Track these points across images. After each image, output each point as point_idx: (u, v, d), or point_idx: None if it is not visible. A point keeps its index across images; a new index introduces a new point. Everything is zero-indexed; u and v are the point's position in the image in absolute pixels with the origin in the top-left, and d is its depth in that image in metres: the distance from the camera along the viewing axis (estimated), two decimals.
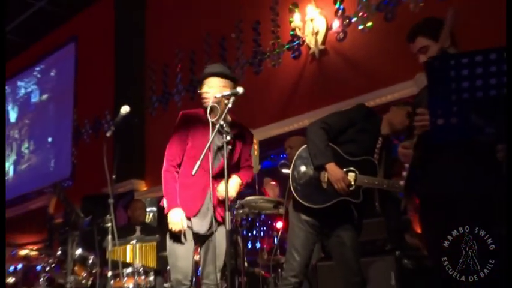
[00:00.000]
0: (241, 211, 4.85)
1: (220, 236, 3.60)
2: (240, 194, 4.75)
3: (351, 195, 3.46)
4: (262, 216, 5.90)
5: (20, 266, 8.73)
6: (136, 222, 6.22)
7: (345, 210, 3.57)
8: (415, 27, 3.10)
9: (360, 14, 6.19)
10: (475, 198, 2.71)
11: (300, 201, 3.53)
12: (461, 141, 2.70)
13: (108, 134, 4.05)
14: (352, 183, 3.48)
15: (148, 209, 8.10)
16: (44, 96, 11.21)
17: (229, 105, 3.47)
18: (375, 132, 3.64)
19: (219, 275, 3.62)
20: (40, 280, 5.46)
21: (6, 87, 12.24)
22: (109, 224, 4.54)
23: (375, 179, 3.49)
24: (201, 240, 3.75)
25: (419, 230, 4.58)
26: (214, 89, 3.72)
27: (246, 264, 5.04)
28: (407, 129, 3.42)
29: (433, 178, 2.90)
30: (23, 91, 11.86)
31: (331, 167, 3.45)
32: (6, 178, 11.78)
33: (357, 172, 3.50)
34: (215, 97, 3.57)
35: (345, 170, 3.49)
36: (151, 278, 5.37)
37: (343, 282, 3.60)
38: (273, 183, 5.68)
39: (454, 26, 2.83)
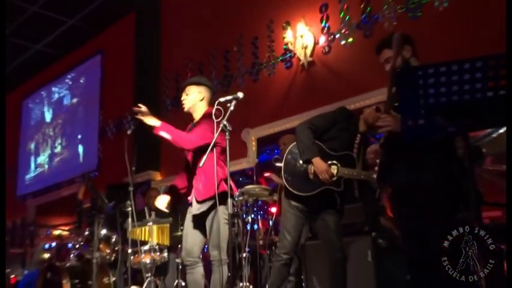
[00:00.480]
0: (241, 198, 4.84)
1: (212, 218, 3.57)
2: (240, 184, 4.77)
3: (333, 184, 3.48)
4: (259, 202, 5.90)
5: (53, 243, 8.71)
6: (152, 207, 6.20)
7: (329, 197, 3.57)
8: (381, 41, 3.14)
9: (343, 31, 6.19)
10: (434, 186, 2.75)
11: (291, 189, 3.54)
12: (421, 139, 2.74)
13: (128, 132, 4.03)
14: (335, 174, 3.48)
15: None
16: (75, 100, 11.19)
17: (231, 108, 3.47)
18: (353, 130, 3.66)
19: (216, 251, 3.53)
20: (71, 256, 5.46)
21: (43, 92, 12.25)
22: (129, 209, 4.54)
23: (354, 171, 3.50)
24: (202, 221, 3.68)
25: (391, 214, 4.59)
26: (191, 95, 3.81)
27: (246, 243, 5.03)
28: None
29: (398, 170, 2.92)
30: (56, 95, 11.83)
31: (317, 160, 3.47)
32: (42, 170, 11.78)
33: (338, 165, 3.52)
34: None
35: (329, 163, 3.50)
36: (165, 254, 5.37)
37: (327, 258, 3.61)
38: (267, 174, 5.67)
39: (400, 47, 2.85)
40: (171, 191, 4.01)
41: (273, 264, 3.58)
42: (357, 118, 3.71)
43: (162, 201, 3.94)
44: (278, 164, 4.36)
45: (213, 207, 3.56)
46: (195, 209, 3.67)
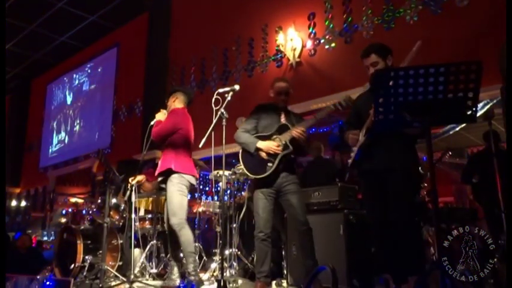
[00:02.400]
0: (233, 176, 4.85)
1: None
2: (233, 164, 4.77)
3: (284, 150, 3.47)
4: (249, 181, 5.91)
5: (70, 209, 8.70)
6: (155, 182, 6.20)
7: (287, 166, 3.53)
8: (370, 47, 3.13)
9: (327, 37, 6.18)
10: (398, 171, 2.85)
11: (255, 177, 3.54)
12: (392, 132, 2.80)
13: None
14: (280, 142, 3.48)
15: None
16: (93, 86, 11.10)
17: (228, 98, 3.50)
18: (274, 112, 3.65)
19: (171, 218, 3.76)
20: (85, 220, 5.45)
21: (65, 78, 12.15)
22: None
23: (290, 130, 3.48)
24: None
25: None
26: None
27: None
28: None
29: (372, 157, 2.98)
30: (76, 82, 11.73)
31: (261, 144, 3.49)
32: (62, 145, 11.71)
33: (277, 135, 3.51)
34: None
35: (271, 139, 3.52)
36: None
37: (296, 232, 3.63)
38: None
39: (417, 54, 2.83)
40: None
41: (255, 244, 3.58)
42: (271, 104, 3.72)
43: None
44: (239, 167, 4.43)
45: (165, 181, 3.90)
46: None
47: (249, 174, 3.59)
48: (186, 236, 3.71)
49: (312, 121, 3.50)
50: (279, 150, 3.46)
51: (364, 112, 3.02)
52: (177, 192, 3.78)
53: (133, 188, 4.57)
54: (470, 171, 5.50)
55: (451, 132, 7.99)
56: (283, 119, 3.58)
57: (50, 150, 12.18)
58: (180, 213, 3.75)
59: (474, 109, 2.13)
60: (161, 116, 4.05)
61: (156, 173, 3.95)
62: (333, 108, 3.37)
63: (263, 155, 3.48)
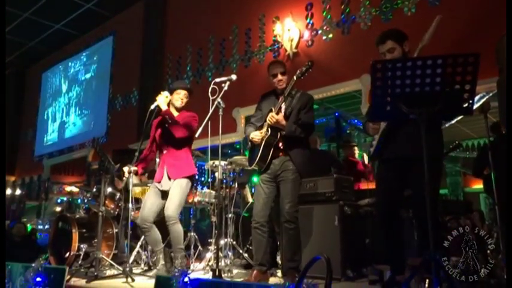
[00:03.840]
0: (229, 167, 4.84)
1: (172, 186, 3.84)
2: (229, 155, 4.77)
3: (268, 136, 3.43)
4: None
5: (65, 198, 8.69)
6: (145, 173, 6.19)
7: (282, 158, 3.48)
8: (386, 32, 3.01)
9: (324, 28, 6.15)
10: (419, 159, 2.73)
11: (253, 167, 3.56)
12: (412, 121, 2.71)
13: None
14: (265, 128, 3.45)
15: None
16: (88, 75, 11.03)
17: (225, 88, 3.49)
18: (272, 98, 3.65)
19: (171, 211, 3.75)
20: (80, 209, 5.44)
21: (60, 66, 12.06)
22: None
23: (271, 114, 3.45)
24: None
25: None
26: (185, 99, 4.04)
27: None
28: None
29: (392, 144, 2.89)
30: (72, 70, 11.65)
31: (251, 134, 3.53)
32: (57, 134, 11.66)
33: (264, 124, 3.50)
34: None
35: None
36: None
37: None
38: None
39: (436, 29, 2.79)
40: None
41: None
42: (268, 94, 3.73)
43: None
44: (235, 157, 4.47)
45: None
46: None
47: (250, 166, 3.61)
48: (179, 232, 3.73)
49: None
50: (258, 139, 3.46)
51: None
52: (185, 193, 3.83)
53: (130, 177, 4.56)
54: (481, 165, 5.48)
55: (446, 125, 8.02)
56: (279, 104, 3.47)
57: (45, 139, 12.13)
58: (178, 211, 3.79)
59: (471, 102, 2.14)
60: (163, 100, 3.87)
61: (180, 176, 3.84)
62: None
63: (259, 147, 3.49)
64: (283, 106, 3.49)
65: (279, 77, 3.56)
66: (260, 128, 3.55)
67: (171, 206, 3.73)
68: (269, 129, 3.43)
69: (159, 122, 4.04)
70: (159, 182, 3.90)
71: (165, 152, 3.95)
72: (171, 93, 3.99)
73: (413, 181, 2.81)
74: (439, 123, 2.87)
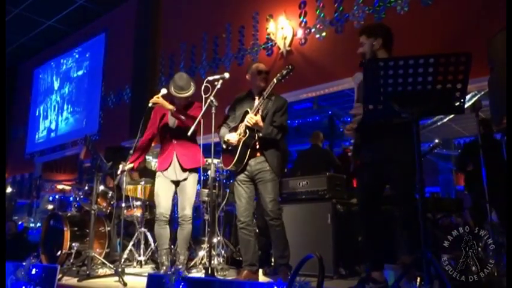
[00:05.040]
0: (221, 165, 4.82)
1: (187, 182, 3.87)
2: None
3: (244, 137, 3.43)
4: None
5: (57, 196, 8.63)
6: (138, 169, 6.17)
7: (258, 158, 3.48)
8: (362, 26, 3.07)
9: (318, 26, 6.16)
10: (396, 162, 2.80)
11: (230, 169, 3.57)
12: (386, 124, 2.77)
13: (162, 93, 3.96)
14: (242, 129, 3.44)
15: (154, 160, 8.08)
16: (80, 72, 10.97)
17: (218, 86, 3.49)
18: (247, 99, 3.64)
19: (187, 210, 3.82)
20: (72, 207, 5.41)
21: (52, 63, 11.98)
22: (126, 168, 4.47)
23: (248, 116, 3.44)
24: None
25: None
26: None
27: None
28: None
29: (367, 148, 2.96)
30: (64, 67, 11.58)
31: (227, 135, 3.52)
32: (49, 131, 11.59)
33: (241, 123, 3.49)
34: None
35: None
36: (154, 209, 5.37)
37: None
38: None
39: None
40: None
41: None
42: (241, 96, 3.74)
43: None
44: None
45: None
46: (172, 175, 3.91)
47: (224, 166, 3.62)
48: (190, 230, 3.82)
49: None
50: (234, 141, 3.45)
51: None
52: (195, 188, 3.90)
53: (123, 174, 4.54)
54: (465, 160, 5.56)
55: (438, 123, 8.08)
56: (258, 105, 3.46)
57: (37, 137, 12.05)
58: (192, 207, 3.87)
59: (462, 100, 2.15)
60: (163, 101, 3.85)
61: (194, 166, 3.89)
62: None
63: (236, 147, 3.47)
64: (261, 108, 3.50)
65: (256, 80, 3.60)
66: (234, 129, 3.54)
67: (188, 205, 3.83)
68: (247, 131, 3.44)
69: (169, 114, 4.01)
70: (166, 170, 3.90)
71: (175, 141, 3.94)
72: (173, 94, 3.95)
73: (390, 183, 2.91)
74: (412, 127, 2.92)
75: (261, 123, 3.39)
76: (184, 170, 3.87)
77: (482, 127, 5.28)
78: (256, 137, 3.43)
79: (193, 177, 3.89)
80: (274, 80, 3.44)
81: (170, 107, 3.83)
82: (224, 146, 3.60)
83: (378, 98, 2.18)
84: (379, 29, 3.03)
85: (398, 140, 2.78)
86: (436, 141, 5.71)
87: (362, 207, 3.07)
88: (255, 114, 3.40)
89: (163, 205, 3.87)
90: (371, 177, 2.96)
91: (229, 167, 3.53)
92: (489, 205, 3.54)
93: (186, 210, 3.81)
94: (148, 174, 5.54)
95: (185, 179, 3.88)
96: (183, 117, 3.79)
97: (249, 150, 3.44)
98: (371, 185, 2.98)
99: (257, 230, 4.01)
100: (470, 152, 5.59)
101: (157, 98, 3.81)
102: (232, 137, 3.48)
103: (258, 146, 3.47)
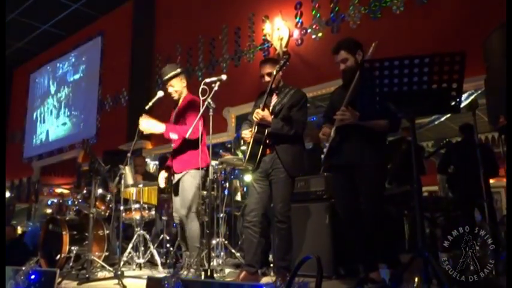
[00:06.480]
0: (220, 166, 4.84)
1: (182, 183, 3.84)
2: (220, 154, 4.78)
3: (259, 132, 3.41)
4: (236, 171, 5.92)
5: (55, 200, 8.61)
6: (138, 172, 6.18)
7: (271, 156, 3.44)
8: (339, 43, 3.17)
9: (314, 26, 6.18)
10: (366, 166, 2.94)
11: (245, 167, 3.59)
12: (360, 129, 2.92)
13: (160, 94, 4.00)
14: (253, 127, 3.45)
15: (152, 162, 8.09)
16: (77, 76, 10.95)
17: (215, 88, 3.49)
18: (263, 96, 3.54)
19: (184, 210, 3.78)
20: (70, 211, 5.41)
21: (48, 67, 11.95)
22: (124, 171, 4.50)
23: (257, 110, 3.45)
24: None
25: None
26: (176, 87, 4.05)
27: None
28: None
29: (341, 152, 3.06)
30: (60, 71, 11.55)
31: (243, 133, 3.54)
32: (47, 135, 11.58)
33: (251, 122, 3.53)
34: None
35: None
36: (153, 212, 5.38)
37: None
38: None
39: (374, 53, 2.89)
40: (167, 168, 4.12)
41: None
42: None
43: (161, 178, 4.10)
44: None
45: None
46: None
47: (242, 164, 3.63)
48: (194, 229, 3.77)
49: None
50: (247, 137, 3.47)
51: (338, 108, 3.01)
52: (196, 186, 3.78)
53: (122, 177, 4.56)
54: (447, 162, 5.65)
55: (436, 123, 8.09)
56: (264, 100, 3.44)
57: (34, 141, 12.02)
58: (194, 207, 3.78)
59: (458, 100, 2.16)
60: (148, 125, 3.81)
61: (179, 171, 3.88)
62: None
63: (248, 142, 3.50)
64: (272, 102, 3.50)
65: (266, 78, 3.56)
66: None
67: (184, 205, 3.82)
68: (256, 126, 3.42)
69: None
70: (172, 174, 4.00)
71: (173, 145, 4.02)
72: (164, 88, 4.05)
73: (360, 185, 2.98)
74: (381, 133, 3.04)
75: (269, 118, 3.35)
76: (176, 173, 3.92)
77: (461, 132, 5.44)
78: (266, 133, 3.39)
79: (187, 178, 3.81)
80: (274, 72, 3.44)
81: (159, 130, 3.78)
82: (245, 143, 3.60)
83: (375, 98, 2.20)
84: (353, 42, 3.15)
85: (367, 146, 2.95)
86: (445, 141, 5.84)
87: (344, 212, 3.15)
88: (263, 109, 3.38)
89: (173, 206, 4.00)
90: (344, 181, 3.07)
91: (243, 165, 3.52)
92: (472, 204, 3.60)
93: (182, 210, 3.78)
94: (150, 177, 5.56)
95: (180, 180, 3.87)
96: (176, 136, 3.79)
97: (261, 146, 3.40)
98: (345, 189, 3.09)
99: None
100: (451, 154, 5.69)
101: (145, 126, 3.78)
102: (246, 134, 3.49)
103: (268, 142, 3.43)
